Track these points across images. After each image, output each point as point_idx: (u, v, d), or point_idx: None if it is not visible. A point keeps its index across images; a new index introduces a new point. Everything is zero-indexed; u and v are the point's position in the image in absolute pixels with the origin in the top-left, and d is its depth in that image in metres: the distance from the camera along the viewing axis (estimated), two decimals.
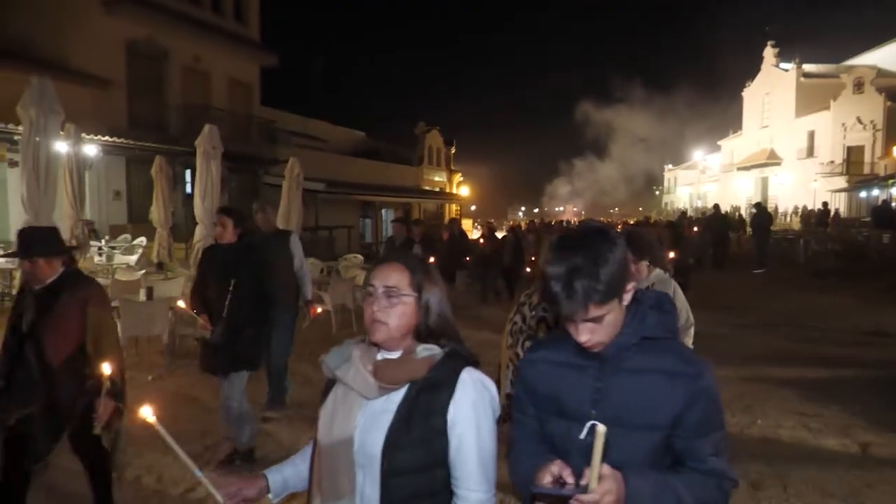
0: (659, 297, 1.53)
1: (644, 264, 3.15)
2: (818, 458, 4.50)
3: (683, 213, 25.00)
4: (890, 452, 4.58)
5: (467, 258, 11.71)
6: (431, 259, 8.64)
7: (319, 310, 5.60)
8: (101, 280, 8.29)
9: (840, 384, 6.31)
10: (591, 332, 1.36)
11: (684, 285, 7.57)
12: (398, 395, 1.42)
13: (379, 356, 1.48)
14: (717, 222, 18.73)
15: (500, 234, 15.00)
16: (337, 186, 21.95)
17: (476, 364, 1.51)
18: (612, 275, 1.32)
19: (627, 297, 1.40)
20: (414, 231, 8.85)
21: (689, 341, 3.25)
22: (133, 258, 12.52)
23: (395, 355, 1.47)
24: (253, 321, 4.21)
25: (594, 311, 1.33)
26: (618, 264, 1.33)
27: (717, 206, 20.05)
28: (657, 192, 69.74)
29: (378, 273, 1.50)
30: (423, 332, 1.48)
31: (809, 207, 33.24)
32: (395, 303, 1.44)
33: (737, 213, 34.09)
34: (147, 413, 1.55)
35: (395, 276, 1.47)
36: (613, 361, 1.42)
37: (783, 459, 4.45)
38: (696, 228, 15.37)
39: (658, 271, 3.31)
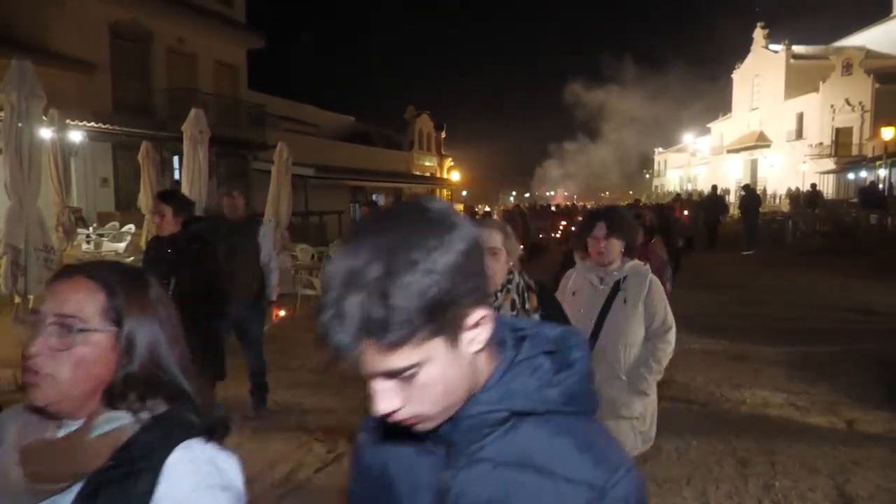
0: (563, 336, 0.88)
1: (617, 244, 2.84)
2: (805, 435, 4.56)
3: (677, 195, 24.97)
4: (875, 429, 4.65)
5: None
6: None
7: (283, 313, 5.00)
8: None
9: (827, 362, 6.38)
10: (395, 398, 0.75)
11: (675, 269, 7.61)
12: (66, 499, 0.91)
13: (58, 430, 0.98)
14: (712, 203, 18.47)
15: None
16: (327, 171, 21.80)
17: (216, 434, 1.00)
18: (422, 292, 0.70)
19: (478, 338, 0.78)
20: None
21: (665, 349, 2.83)
22: (122, 245, 12.41)
23: (73, 427, 0.97)
24: (199, 327, 3.52)
25: (385, 359, 0.72)
26: (443, 275, 0.71)
27: (714, 188, 19.84)
28: (647, 176, 69.88)
29: (51, 291, 0.97)
30: (116, 389, 0.95)
31: (800, 189, 33.42)
32: (71, 342, 0.93)
33: (726, 196, 34.24)
34: None
35: (76, 299, 0.95)
36: (463, 447, 0.83)
37: (771, 437, 4.50)
38: (686, 212, 15.28)
39: (635, 262, 2.94)
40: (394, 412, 0.76)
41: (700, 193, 25.06)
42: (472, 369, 0.79)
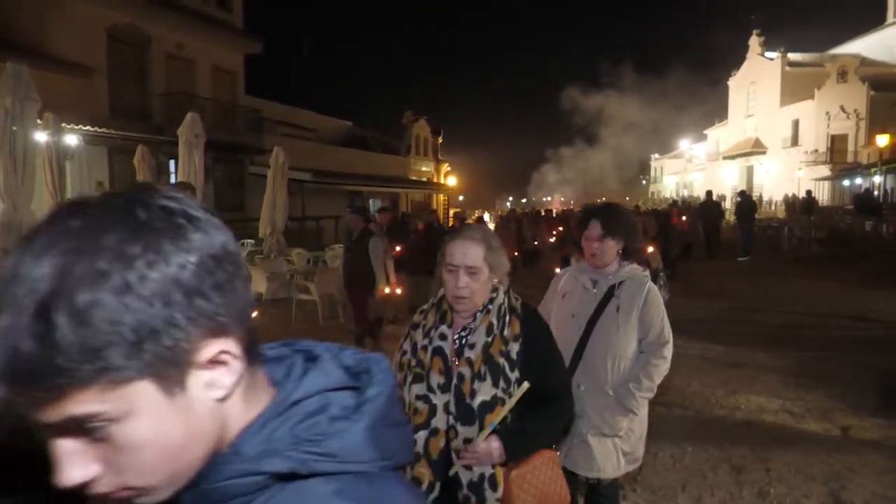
0: (364, 366, 0.69)
1: (614, 246, 2.62)
2: (800, 442, 4.55)
3: (674, 202, 24.63)
4: (870, 436, 4.64)
5: None
6: (398, 248, 8.33)
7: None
8: None
9: (822, 369, 6.38)
10: (85, 462, 0.54)
11: (671, 276, 7.61)
12: None
13: None
14: (709, 210, 17.91)
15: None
16: (324, 176, 21.79)
17: None
18: (108, 317, 0.50)
19: (220, 381, 0.58)
20: (378, 219, 8.46)
21: (660, 366, 2.57)
22: None
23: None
24: None
25: (53, 406, 0.51)
26: (148, 294, 0.52)
27: (709, 193, 19.15)
28: (644, 182, 70.04)
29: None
30: None
31: (796, 196, 33.51)
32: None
33: (722, 202, 34.31)
34: None
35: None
36: None
37: (766, 444, 4.49)
38: (684, 217, 15.12)
39: (633, 266, 2.71)
40: (90, 482, 0.54)
41: (696, 199, 24.72)
42: (217, 421, 0.59)
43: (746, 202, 17.59)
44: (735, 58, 48.53)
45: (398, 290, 7.67)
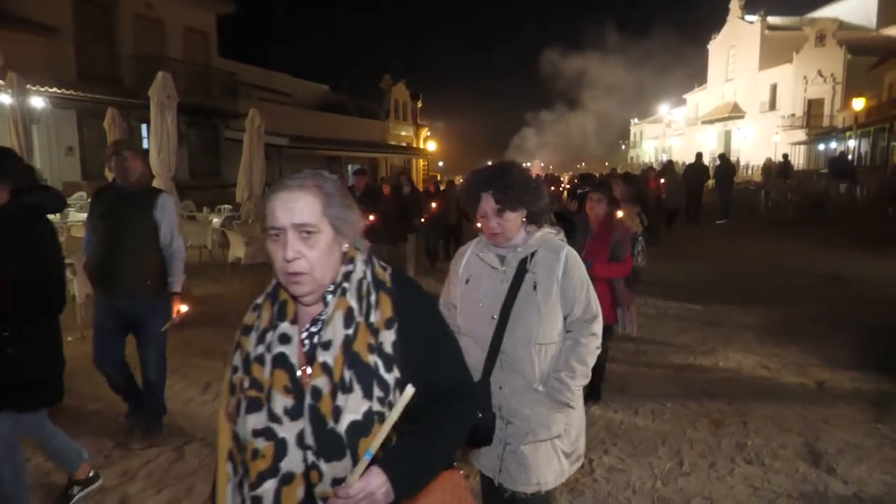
0: None
1: (515, 217, 2.14)
2: (777, 396, 4.65)
3: (650, 166, 23.88)
4: (843, 389, 4.76)
5: (423, 219, 9.76)
6: (371, 217, 7.60)
7: (185, 308, 3.88)
8: None
9: (797, 326, 6.51)
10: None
11: (651, 243, 7.56)
12: None
13: None
14: (695, 172, 16.71)
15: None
16: (301, 141, 21.43)
17: None
18: None
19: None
20: (354, 182, 7.99)
21: (590, 345, 2.19)
22: None
23: None
24: (22, 328, 2.70)
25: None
26: None
27: (699, 155, 17.87)
28: (623, 147, 70.16)
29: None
30: None
31: (772, 160, 33.84)
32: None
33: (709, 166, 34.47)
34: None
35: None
36: None
37: (744, 398, 4.58)
38: (662, 181, 14.72)
39: (544, 231, 2.22)
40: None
41: (678, 164, 23.76)
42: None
43: (726, 165, 17.67)
44: (715, 21, 48.36)
45: None
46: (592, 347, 2.21)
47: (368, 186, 8.07)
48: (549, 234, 2.23)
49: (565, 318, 2.20)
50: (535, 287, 2.14)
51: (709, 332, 6.41)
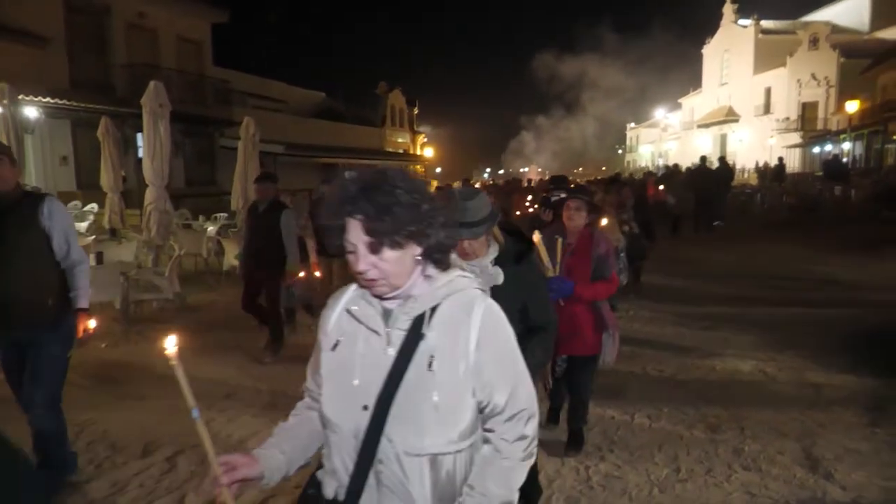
0: None
1: (399, 258, 1.31)
2: (774, 400, 4.62)
3: (649, 171, 23.15)
4: (840, 394, 4.73)
5: None
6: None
7: (92, 325, 3.33)
8: None
9: (794, 330, 6.49)
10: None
11: (639, 257, 7.37)
12: None
13: None
14: (702, 177, 15.70)
15: None
16: (297, 149, 21.46)
17: None
18: None
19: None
20: (326, 190, 7.04)
21: (518, 453, 1.41)
22: (84, 225, 12.03)
23: None
24: None
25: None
26: None
27: (703, 158, 16.96)
28: (620, 151, 70.34)
29: None
30: None
31: (768, 163, 33.94)
32: None
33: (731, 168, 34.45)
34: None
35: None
36: None
37: (741, 403, 4.55)
38: (661, 187, 13.99)
39: (456, 275, 1.42)
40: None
41: (676, 166, 22.87)
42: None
43: (724, 168, 17.61)
44: (709, 26, 48.62)
45: (316, 273, 6.73)
46: (520, 458, 1.41)
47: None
48: (462, 280, 1.42)
49: (481, 412, 1.40)
50: (430, 363, 1.34)
51: (705, 336, 6.39)
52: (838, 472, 3.50)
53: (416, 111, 39.91)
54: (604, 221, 4.89)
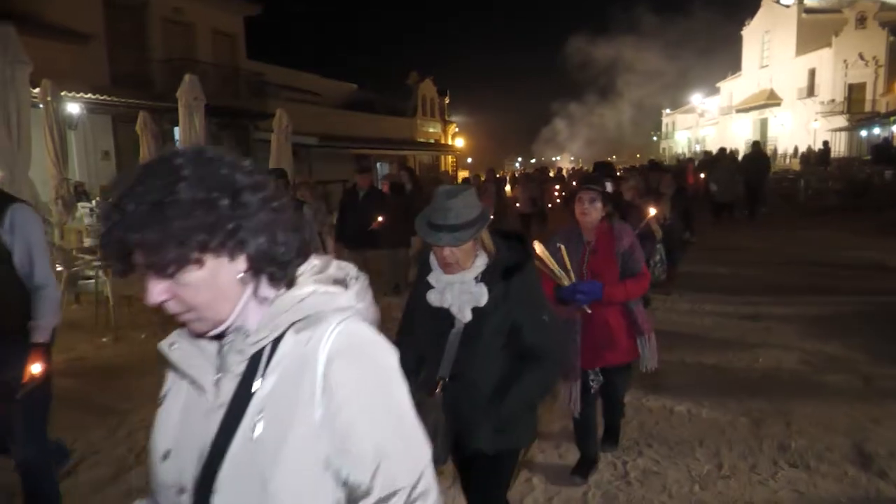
0: None
1: (203, 285, 0.92)
2: (820, 393, 4.43)
3: (689, 158, 21.39)
4: (892, 386, 4.51)
5: None
6: (379, 219, 7.15)
7: (37, 370, 2.60)
8: (91, 241, 8.19)
9: (840, 319, 6.24)
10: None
11: (684, 246, 7.02)
12: None
13: None
14: (754, 163, 15.00)
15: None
16: (330, 140, 21.55)
17: None
18: None
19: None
20: (359, 181, 7.41)
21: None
22: None
23: None
24: None
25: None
26: None
27: (756, 144, 16.19)
28: (655, 138, 68.95)
29: None
30: None
31: (811, 148, 32.81)
32: None
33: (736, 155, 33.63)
34: None
35: None
36: None
37: (785, 396, 4.38)
38: (702, 175, 13.07)
39: (310, 290, 1.01)
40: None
41: (710, 153, 22.09)
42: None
43: (764, 154, 17.00)
44: (749, 6, 47.06)
45: None
46: None
47: (373, 187, 7.54)
48: (318, 299, 1.00)
49: (344, 483, 0.96)
50: (255, 427, 0.94)
51: (747, 327, 6.18)
52: (893, 470, 3.33)
53: (447, 101, 39.71)
54: (652, 211, 4.78)
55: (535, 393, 2.16)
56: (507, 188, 15.24)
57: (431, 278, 2.12)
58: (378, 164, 28.98)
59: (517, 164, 70.84)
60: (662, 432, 3.94)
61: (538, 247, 2.87)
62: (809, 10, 41.44)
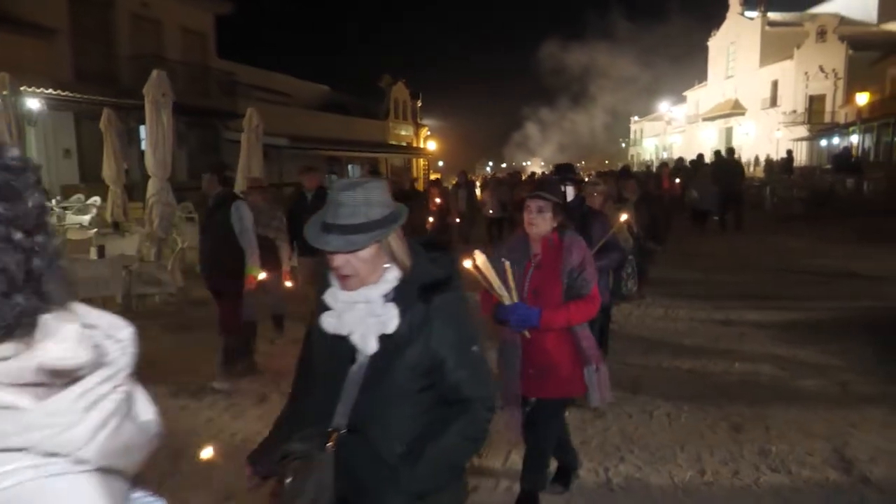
0: None
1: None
2: (798, 398, 4.46)
3: (663, 162, 20.79)
4: (869, 391, 4.56)
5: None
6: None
7: None
8: None
9: (813, 325, 6.32)
10: None
11: (657, 251, 6.87)
12: None
13: None
14: (726, 170, 14.38)
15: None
16: (301, 141, 21.30)
17: None
18: None
19: None
20: (305, 183, 6.51)
21: None
22: (86, 218, 11.90)
23: None
24: None
25: None
26: None
27: (730, 151, 15.41)
28: (623, 145, 69.97)
29: None
30: None
31: (773, 157, 33.63)
32: None
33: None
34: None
35: None
36: None
37: (763, 401, 4.39)
38: (677, 180, 12.00)
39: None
40: None
41: (681, 159, 21.10)
42: None
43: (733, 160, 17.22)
44: (715, 18, 48.13)
45: (287, 283, 5.85)
46: None
47: (322, 187, 6.50)
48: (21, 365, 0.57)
49: None
50: None
51: (721, 332, 6.23)
52: (874, 474, 3.35)
53: (419, 104, 39.65)
54: (623, 217, 4.67)
55: (462, 450, 1.62)
56: (478, 192, 15.17)
57: (329, 296, 1.60)
58: (349, 167, 28.72)
59: (488, 168, 71.07)
60: (643, 437, 3.91)
61: (479, 258, 2.50)
62: (773, 24, 42.57)
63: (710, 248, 11.92)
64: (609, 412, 4.26)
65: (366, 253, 1.52)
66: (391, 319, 1.53)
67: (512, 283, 2.67)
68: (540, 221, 2.78)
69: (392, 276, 1.57)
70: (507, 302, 2.67)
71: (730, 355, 5.47)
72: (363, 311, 1.54)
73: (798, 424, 4.00)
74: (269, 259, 5.40)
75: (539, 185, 3.14)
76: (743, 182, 15.13)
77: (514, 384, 2.85)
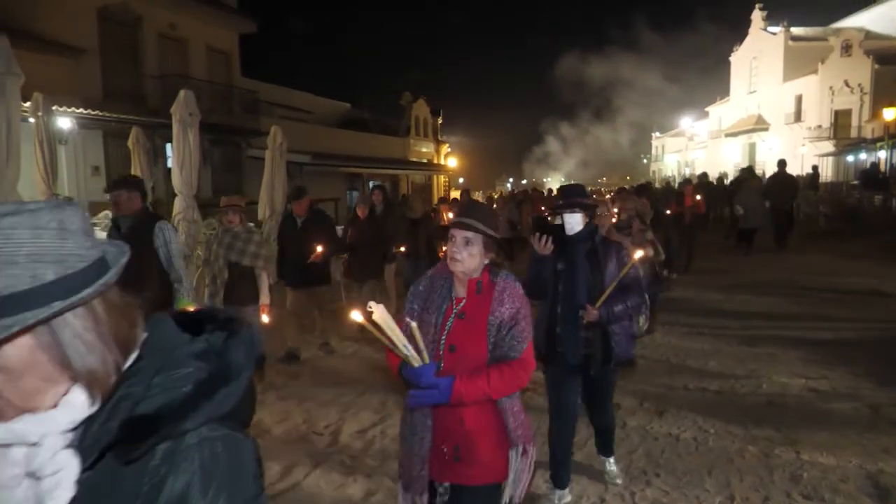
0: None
1: None
2: (829, 422, 4.34)
3: (686, 179, 19.35)
4: None
5: (400, 247, 7.50)
6: (318, 249, 5.96)
7: None
8: None
9: (842, 345, 6.17)
10: None
11: (683, 270, 6.59)
12: None
13: None
14: (782, 185, 13.50)
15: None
16: (323, 158, 21.51)
17: None
18: None
19: None
20: (293, 208, 6.18)
21: None
22: None
23: None
24: None
25: None
26: None
27: (782, 163, 14.40)
28: (644, 161, 69.61)
29: None
30: None
31: (797, 172, 33.16)
32: None
33: (724, 180, 33.93)
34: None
35: None
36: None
37: (793, 425, 4.29)
38: (698, 197, 11.00)
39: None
40: None
41: (706, 177, 20.18)
42: None
43: (752, 177, 17.19)
44: (737, 33, 47.90)
45: (264, 317, 4.97)
46: None
47: (314, 211, 6.27)
48: None
49: None
50: None
51: (747, 353, 6.11)
52: None
53: (440, 121, 39.87)
54: (638, 254, 3.30)
55: None
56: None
57: None
58: (370, 183, 28.93)
59: (508, 185, 71.09)
60: (670, 461, 3.83)
61: (377, 311, 1.87)
62: (796, 38, 42.20)
63: (732, 264, 11.74)
64: (634, 434, 4.20)
65: (21, 351, 0.75)
66: (56, 488, 0.75)
67: (421, 345, 2.01)
68: (465, 256, 2.16)
69: (76, 399, 0.77)
70: (415, 364, 2.01)
71: (757, 376, 5.36)
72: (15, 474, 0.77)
73: (829, 449, 3.89)
74: (244, 291, 4.91)
75: (465, 210, 2.33)
76: (796, 198, 14.04)
77: (419, 464, 2.18)
